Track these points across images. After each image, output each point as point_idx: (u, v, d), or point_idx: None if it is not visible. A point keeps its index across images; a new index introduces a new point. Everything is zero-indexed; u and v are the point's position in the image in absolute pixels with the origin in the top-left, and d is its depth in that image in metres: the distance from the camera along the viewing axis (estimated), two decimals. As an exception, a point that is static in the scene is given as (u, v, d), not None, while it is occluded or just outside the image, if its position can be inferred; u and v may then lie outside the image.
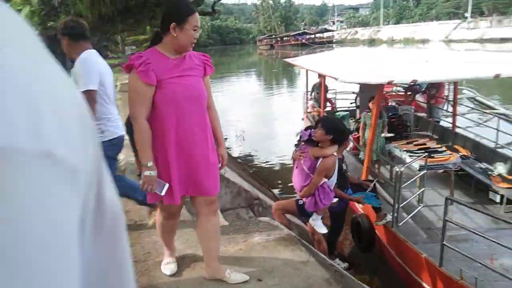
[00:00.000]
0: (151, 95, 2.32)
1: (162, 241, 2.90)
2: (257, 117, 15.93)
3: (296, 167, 4.12)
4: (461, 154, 7.08)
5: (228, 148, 11.21)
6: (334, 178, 3.96)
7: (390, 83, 4.50)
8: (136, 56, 2.36)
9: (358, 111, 9.38)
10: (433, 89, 9.36)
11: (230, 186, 4.83)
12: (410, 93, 10.37)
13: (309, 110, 10.79)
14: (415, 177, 5.25)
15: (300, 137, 4.15)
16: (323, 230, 4.06)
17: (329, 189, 3.93)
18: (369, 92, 9.45)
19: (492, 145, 7.59)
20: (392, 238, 4.87)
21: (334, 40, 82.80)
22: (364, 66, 6.48)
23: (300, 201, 4.16)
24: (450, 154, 6.60)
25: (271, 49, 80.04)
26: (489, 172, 6.71)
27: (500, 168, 6.77)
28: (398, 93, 11.17)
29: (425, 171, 5.41)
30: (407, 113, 9.15)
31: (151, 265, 2.90)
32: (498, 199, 6.22)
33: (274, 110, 17.35)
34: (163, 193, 2.36)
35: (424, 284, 4.33)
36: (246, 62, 57.39)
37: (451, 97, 9.26)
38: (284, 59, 12.69)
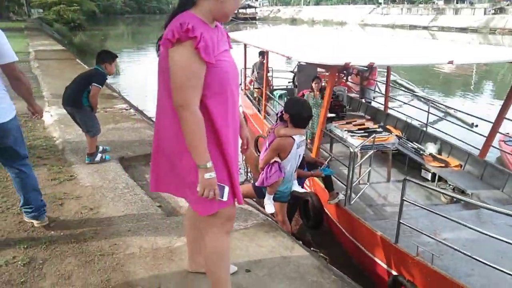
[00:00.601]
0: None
1: (225, 276, 2.20)
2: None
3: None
4: (395, 134, 7.43)
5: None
6: (289, 161, 3.89)
7: (347, 65, 4.48)
8: (184, 23, 1.81)
9: (296, 90, 9.45)
10: (367, 72, 9.73)
11: None
12: (343, 74, 10.71)
13: (248, 87, 10.63)
14: (366, 157, 5.38)
15: (276, 114, 4.08)
16: (270, 209, 4.02)
17: (278, 169, 3.87)
18: (307, 72, 9.60)
19: (422, 126, 8.14)
20: (344, 216, 4.96)
21: (257, 17, 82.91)
22: (314, 45, 6.43)
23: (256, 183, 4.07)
24: (388, 134, 6.94)
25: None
26: (421, 152, 7.20)
27: (431, 148, 7.28)
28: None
29: (373, 151, 5.59)
30: (341, 93, 9.39)
31: (122, 258, 2.57)
32: (429, 177, 6.70)
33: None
34: (225, 198, 1.98)
35: (378, 261, 4.49)
36: (167, 34, 54.98)
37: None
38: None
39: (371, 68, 9.80)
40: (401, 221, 4.10)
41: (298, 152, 3.88)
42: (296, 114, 3.78)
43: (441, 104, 12.09)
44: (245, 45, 10.04)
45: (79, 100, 4.16)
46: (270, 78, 11.36)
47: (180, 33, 1.79)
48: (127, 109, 6.03)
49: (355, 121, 7.85)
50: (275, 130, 3.92)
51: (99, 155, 4.20)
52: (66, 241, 2.81)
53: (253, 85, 10.62)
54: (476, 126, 8.51)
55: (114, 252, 2.62)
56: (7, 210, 3.29)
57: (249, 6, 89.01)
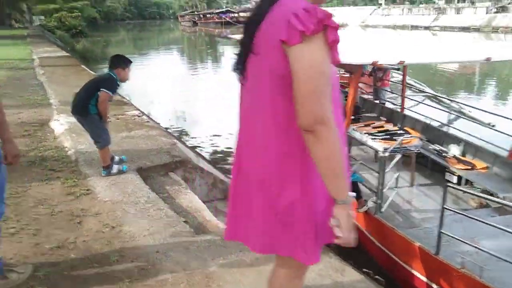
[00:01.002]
0: None
1: None
2: (194, 96, 15.11)
3: None
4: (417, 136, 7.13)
5: (178, 131, 10.41)
6: None
7: (375, 64, 4.21)
8: (309, 8, 1.42)
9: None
10: (380, 72, 9.44)
11: (205, 176, 4.26)
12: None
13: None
14: (394, 161, 5.08)
15: None
16: None
17: None
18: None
19: (441, 127, 7.84)
20: (375, 225, 4.67)
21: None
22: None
23: None
24: (411, 136, 6.64)
25: (194, 26, 77.80)
26: (444, 154, 6.90)
27: (454, 150, 6.98)
28: (343, 75, 11.20)
29: (401, 155, 5.31)
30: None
31: (154, 286, 2.28)
32: (455, 180, 6.40)
33: (211, 89, 16.57)
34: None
35: (416, 273, 4.19)
36: (168, 38, 55.01)
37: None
38: (231, 36, 12.01)
39: (384, 68, 9.54)
40: (442, 230, 3.81)
41: None
42: None
43: (459, 103, 11.80)
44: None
45: (86, 108, 3.87)
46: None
47: (316, 22, 1.38)
48: (139, 116, 5.76)
49: (373, 123, 7.55)
50: None
51: (116, 166, 3.93)
52: (88, 266, 2.52)
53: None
54: (494, 126, 8.19)
55: (144, 278, 2.34)
56: (21, 230, 3.01)
57: (249, 9, 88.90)
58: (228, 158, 8.43)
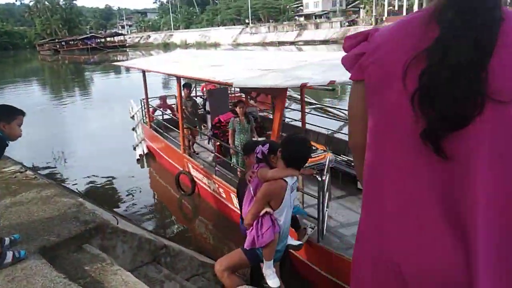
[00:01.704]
0: None
1: None
2: (72, 133, 13.45)
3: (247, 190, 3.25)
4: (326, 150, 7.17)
5: (53, 175, 8.91)
6: (283, 211, 3.07)
7: (304, 86, 3.98)
8: None
9: (209, 117, 8.73)
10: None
11: (128, 239, 3.45)
12: (248, 94, 10.30)
13: (152, 118, 9.52)
14: (327, 179, 4.90)
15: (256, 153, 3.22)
16: (275, 283, 3.12)
17: (271, 223, 3.06)
18: (218, 96, 8.95)
19: (344, 137, 8.08)
20: (320, 254, 4.39)
21: (127, 44, 79.98)
22: (242, 68, 5.82)
23: (248, 247, 3.22)
24: (323, 151, 6.64)
25: (55, 54, 71.62)
26: (353, 164, 7.06)
27: (362, 159, 7.20)
28: (235, 94, 11.03)
29: (329, 174, 5.17)
30: (254, 114, 8.98)
31: None
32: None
33: (89, 123, 14.97)
34: None
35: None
36: (26, 69, 49.42)
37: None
38: (117, 63, 10.92)
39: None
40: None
41: (292, 197, 3.12)
42: (293, 152, 3.01)
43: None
44: (143, 72, 8.96)
45: None
46: (174, 106, 10.44)
47: None
48: (21, 171, 4.52)
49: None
50: (258, 173, 3.13)
51: (9, 253, 2.85)
52: None
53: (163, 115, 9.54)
54: None
55: None
56: None
57: (117, 34, 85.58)
58: (140, 207, 7.47)
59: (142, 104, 9.64)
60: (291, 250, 4.05)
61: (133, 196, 7.86)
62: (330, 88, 3.85)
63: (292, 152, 3.01)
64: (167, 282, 3.28)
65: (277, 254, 3.16)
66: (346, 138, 8.16)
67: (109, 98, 20.01)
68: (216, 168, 6.49)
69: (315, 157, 6.41)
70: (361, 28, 54.68)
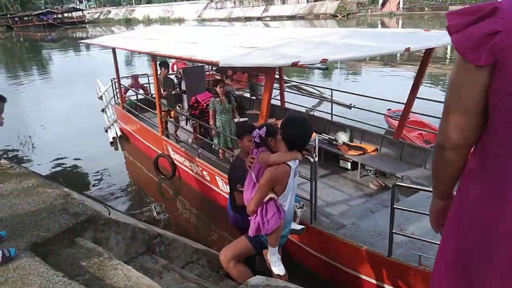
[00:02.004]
0: None
1: None
2: (36, 116, 12.75)
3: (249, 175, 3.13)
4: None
5: (22, 161, 8.44)
6: (287, 196, 2.99)
7: (295, 65, 3.85)
8: None
9: (185, 97, 8.47)
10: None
11: (121, 230, 3.27)
12: (227, 73, 10.08)
13: (124, 99, 9.13)
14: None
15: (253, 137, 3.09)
16: (280, 270, 3.07)
17: (276, 208, 2.98)
18: (194, 76, 8.66)
19: (323, 115, 8.09)
20: (312, 235, 4.38)
21: (86, 20, 76.34)
22: (227, 45, 5.61)
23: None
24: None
25: (9, 31, 67.44)
26: (334, 142, 7.08)
27: (343, 137, 7.21)
28: (209, 73, 10.75)
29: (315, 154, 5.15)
30: (232, 93, 8.80)
31: None
32: (349, 166, 6.62)
33: (53, 104, 14.21)
34: None
35: (366, 278, 4.04)
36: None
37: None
38: (83, 41, 10.28)
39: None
40: (394, 231, 3.70)
41: (295, 181, 3.04)
42: (296, 134, 2.89)
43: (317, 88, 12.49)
44: (114, 50, 8.52)
45: None
46: (146, 85, 10.06)
47: None
48: None
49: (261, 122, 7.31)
50: (259, 157, 3.01)
51: None
52: None
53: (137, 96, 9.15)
54: (354, 106, 8.78)
55: None
56: None
57: (75, 9, 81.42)
58: (118, 192, 7.20)
59: (113, 84, 9.20)
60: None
61: (109, 181, 7.58)
62: (324, 67, 3.73)
63: (294, 134, 2.89)
64: (165, 273, 3.17)
65: (281, 239, 3.10)
66: (325, 116, 8.16)
67: (71, 78, 19.13)
68: (199, 150, 6.32)
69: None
70: (328, 4, 54.53)
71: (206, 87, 8.82)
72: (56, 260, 2.71)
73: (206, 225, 6.18)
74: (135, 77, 9.62)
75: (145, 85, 9.94)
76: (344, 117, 7.63)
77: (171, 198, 7.23)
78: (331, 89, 7.55)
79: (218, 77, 10.59)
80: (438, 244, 3.10)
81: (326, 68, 3.85)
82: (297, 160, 3.01)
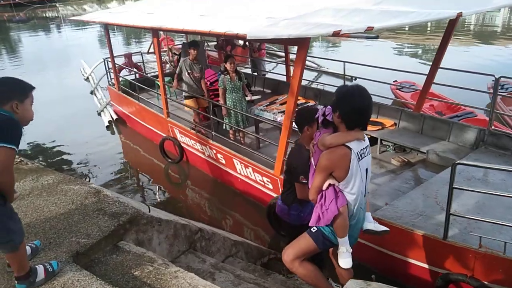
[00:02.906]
0: None
1: None
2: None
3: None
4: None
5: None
6: (350, 182, 2.56)
7: (336, 34, 3.45)
8: None
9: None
10: (256, 43, 8.82)
11: (164, 229, 2.88)
12: (225, 49, 9.54)
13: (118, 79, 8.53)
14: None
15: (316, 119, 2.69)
16: (347, 263, 2.68)
17: (334, 195, 2.61)
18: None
19: (330, 88, 7.72)
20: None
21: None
22: (237, 16, 5.14)
23: (313, 228, 2.76)
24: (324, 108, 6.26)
25: (-28, 12, 63.73)
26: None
27: (358, 112, 6.91)
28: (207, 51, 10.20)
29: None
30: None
31: None
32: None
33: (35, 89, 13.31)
34: None
35: (417, 262, 3.81)
36: None
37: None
38: (72, 18, 9.48)
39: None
40: (452, 212, 3.44)
41: (363, 165, 2.58)
42: (351, 109, 2.46)
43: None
44: (106, 27, 7.85)
45: None
46: (140, 64, 9.46)
47: None
48: None
49: (277, 99, 6.93)
50: (318, 141, 2.65)
51: (39, 268, 2.13)
52: None
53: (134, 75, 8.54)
54: (356, 79, 8.43)
55: None
56: None
57: (43, -13, 77.47)
58: (124, 179, 6.75)
59: (106, 64, 8.58)
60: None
61: (111, 169, 7.12)
62: (373, 35, 3.32)
63: (350, 110, 2.47)
64: (217, 273, 2.83)
65: (349, 239, 2.70)
66: (332, 90, 7.78)
67: (49, 60, 18.08)
68: (214, 132, 5.91)
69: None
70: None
71: (208, 65, 8.34)
72: (104, 270, 2.32)
73: (221, 210, 5.85)
74: (128, 56, 9.01)
75: (139, 63, 9.34)
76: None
77: (179, 183, 6.85)
78: (344, 61, 7.15)
79: (215, 56, 10.07)
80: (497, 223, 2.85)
81: (377, 36, 3.44)
82: (364, 141, 2.64)
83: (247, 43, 8.91)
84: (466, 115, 7.22)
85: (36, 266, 2.16)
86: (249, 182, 5.50)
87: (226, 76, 6.07)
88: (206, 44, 9.71)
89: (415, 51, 16.40)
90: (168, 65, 10.36)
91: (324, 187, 2.64)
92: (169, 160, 7.04)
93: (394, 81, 9.01)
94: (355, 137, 2.54)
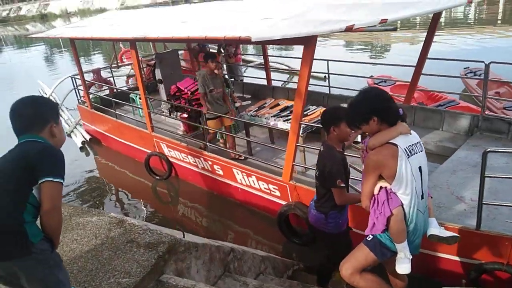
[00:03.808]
0: None
1: None
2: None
3: None
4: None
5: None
6: (402, 182, 2.37)
7: (350, 29, 3.30)
8: None
9: (161, 86, 7.58)
10: (232, 47, 8.59)
11: (200, 254, 2.56)
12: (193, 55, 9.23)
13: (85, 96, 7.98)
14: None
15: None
16: (405, 269, 2.47)
17: (386, 197, 2.41)
18: (169, 61, 7.75)
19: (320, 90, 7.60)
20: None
21: (-7, 20, 69.10)
22: (228, 20, 4.89)
23: (368, 237, 2.56)
24: (316, 107, 6.13)
25: None
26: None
27: (347, 109, 6.84)
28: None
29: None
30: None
31: None
32: (359, 138, 6.26)
33: None
34: None
35: (448, 256, 3.71)
36: None
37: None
38: (33, 35, 8.73)
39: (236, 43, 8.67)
40: (484, 201, 3.36)
41: (414, 162, 2.37)
42: (385, 106, 2.35)
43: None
44: (72, 42, 7.30)
45: (22, 235, 1.58)
46: (109, 79, 8.96)
47: None
48: None
49: (265, 103, 6.73)
50: (366, 146, 2.48)
51: None
52: None
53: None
54: (328, 78, 8.40)
55: None
56: None
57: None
58: (110, 203, 6.27)
59: (74, 82, 8.03)
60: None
61: (93, 193, 6.62)
62: (391, 27, 3.19)
63: (383, 106, 2.37)
64: (264, 296, 2.57)
65: (410, 246, 2.48)
66: (311, 89, 7.61)
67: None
68: (209, 144, 5.61)
69: (310, 114, 5.87)
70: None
71: (182, 74, 8.00)
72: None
73: (222, 224, 5.58)
74: (97, 71, 8.50)
75: (109, 79, 8.84)
76: (340, 88, 7.20)
77: (171, 200, 6.48)
78: (327, 60, 7.05)
79: (185, 66, 9.73)
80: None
81: (395, 28, 3.32)
82: (411, 136, 2.48)
83: (221, 49, 8.64)
84: (449, 103, 7.33)
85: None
86: (252, 192, 5.25)
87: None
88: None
89: (365, 48, 16.81)
90: (131, 79, 9.94)
91: (376, 191, 2.46)
92: (157, 177, 6.65)
93: (370, 76, 9.07)
94: (398, 131, 2.37)
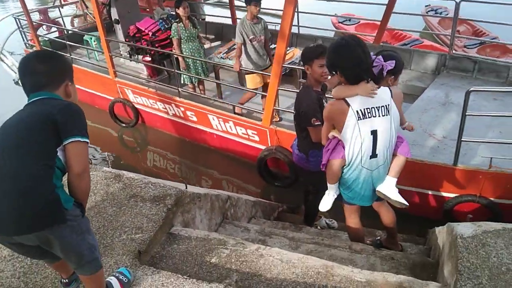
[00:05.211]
0: None
1: None
2: None
3: None
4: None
5: None
6: (345, 139, 2.36)
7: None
8: None
9: (118, 27, 7.02)
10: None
11: (203, 204, 2.51)
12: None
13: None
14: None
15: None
16: (323, 206, 2.61)
17: (331, 146, 2.46)
18: (125, 2, 7.12)
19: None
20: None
21: None
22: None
23: None
24: (289, 50, 5.96)
25: None
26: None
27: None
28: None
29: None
30: (172, 16, 7.62)
31: None
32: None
33: None
34: None
35: (429, 192, 3.94)
36: None
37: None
38: None
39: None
40: (463, 138, 3.52)
41: (366, 125, 2.29)
42: (348, 66, 2.22)
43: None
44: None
45: (54, 202, 1.41)
46: (57, 19, 8.17)
47: None
48: None
49: (234, 44, 6.46)
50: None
51: (112, 280, 1.71)
52: None
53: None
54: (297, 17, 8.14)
55: None
56: None
57: None
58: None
59: (18, 22, 7.23)
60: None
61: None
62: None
63: (344, 63, 2.24)
64: (269, 240, 2.61)
65: (351, 193, 2.54)
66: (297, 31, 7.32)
67: None
68: (182, 89, 5.37)
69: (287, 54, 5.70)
70: None
71: (140, 14, 7.43)
72: (174, 265, 1.96)
73: (198, 171, 5.52)
74: (44, 11, 7.68)
75: (57, 19, 8.06)
76: (308, 27, 7.04)
77: (138, 150, 6.28)
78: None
79: (141, 5, 9.02)
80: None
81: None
82: (375, 98, 2.27)
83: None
84: (413, 42, 7.44)
85: (109, 280, 1.74)
86: (228, 137, 5.17)
87: (179, 24, 5.43)
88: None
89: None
90: (76, 20, 9.12)
91: (330, 136, 2.48)
92: (123, 124, 6.37)
93: (334, 14, 8.91)
94: (355, 92, 2.25)
